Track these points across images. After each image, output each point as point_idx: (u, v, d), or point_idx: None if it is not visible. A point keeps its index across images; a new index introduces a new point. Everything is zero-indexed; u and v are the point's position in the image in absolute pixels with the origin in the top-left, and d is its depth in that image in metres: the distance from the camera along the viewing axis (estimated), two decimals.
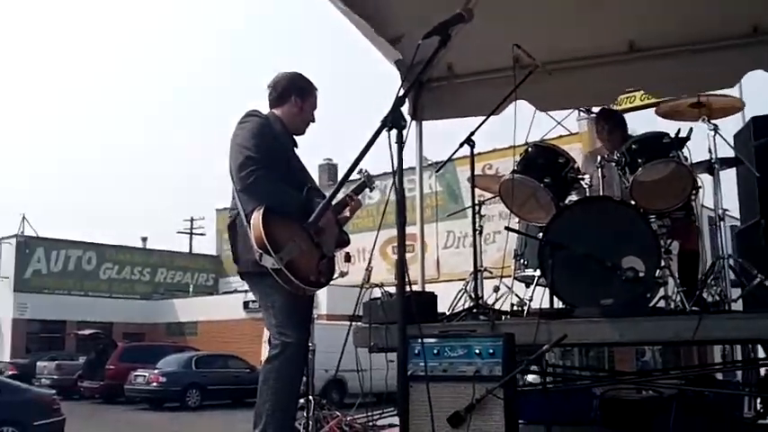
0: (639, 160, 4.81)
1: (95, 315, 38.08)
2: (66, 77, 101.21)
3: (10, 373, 27.80)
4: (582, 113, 25.97)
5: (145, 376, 24.46)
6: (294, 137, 4.45)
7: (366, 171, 4.41)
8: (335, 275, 8.71)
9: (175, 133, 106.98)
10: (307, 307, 4.23)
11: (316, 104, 4.49)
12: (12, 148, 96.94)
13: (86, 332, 31.22)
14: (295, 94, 4.39)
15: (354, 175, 3.92)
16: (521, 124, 4.87)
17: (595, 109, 12.36)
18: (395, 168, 2.72)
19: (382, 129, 2.74)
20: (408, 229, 2.93)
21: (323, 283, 4.16)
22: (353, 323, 4.98)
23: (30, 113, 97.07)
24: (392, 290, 5.21)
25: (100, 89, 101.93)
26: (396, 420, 6.03)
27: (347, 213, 4.40)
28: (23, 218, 42.20)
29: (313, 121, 4.47)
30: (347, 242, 4.44)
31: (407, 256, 2.81)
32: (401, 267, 2.70)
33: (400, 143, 2.75)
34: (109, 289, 41.70)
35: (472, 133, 5.22)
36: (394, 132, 2.74)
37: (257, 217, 3.91)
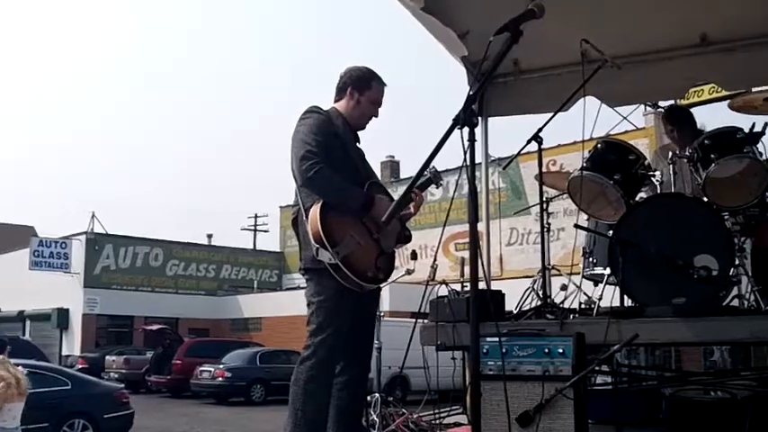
0: (712, 156, 4.69)
1: (162, 311, 38.99)
2: (140, 77, 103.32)
3: (80, 366, 28.50)
4: (648, 108, 25.39)
5: (210, 371, 24.84)
6: (357, 132, 4.39)
7: (434, 167, 4.30)
8: (401, 273, 8.60)
9: (242, 130, 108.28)
10: (357, 310, 4.09)
11: (377, 98, 4.38)
12: (83, 147, 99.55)
13: (154, 327, 31.72)
14: (352, 86, 4.33)
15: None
16: (586, 119, 4.81)
17: (662, 103, 12.17)
18: (466, 166, 2.70)
19: (454, 127, 2.72)
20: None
21: (381, 279, 4.10)
22: (418, 320, 4.97)
23: (101, 114, 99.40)
24: (456, 287, 5.24)
25: (170, 89, 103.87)
26: (461, 419, 6.04)
27: (411, 209, 4.31)
28: (93, 215, 43.40)
29: (375, 115, 4.39)
30: (408, 238, 4.37)
31: (469, 253, 2.80)
32: (474, 265, 2.69)
33: (472, 141, 2.72)
34: (175, 285, 42.38)
35: (540, 130, 5.16)
36: (465, 130, 2.72)
37: (315, 211, 3.90)
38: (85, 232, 40.27)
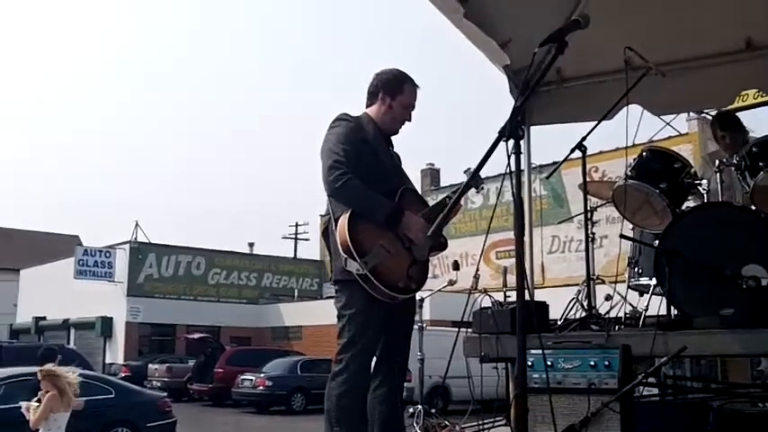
0: (760, 164, 4.61)
1: (204, 319, 39.24)
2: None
3: (123, 374, 28.81)
4: (692, 113, 25.08)
5: (251, 380, 24.98)
6: (390, 137, 4.29)
7: (470, 169, 4.27)
8: (444, 284, 8.39)
9: (283, 138, 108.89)
10: (391, 320, 3.99)
11: (409, 102, 4.24)
12: (126, 159, 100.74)
13: (195, 336, 31.91)
14: (383, 90, 4.21)
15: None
16: (628, 125, 4.77)
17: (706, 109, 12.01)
18: (512, 180, 2.68)
19: (500, 140, 2.69)
20: (512, 234, 2.85)
21: (414, 289, 3.96)
22: (461, 330, 4.93)
23: (144, 125, 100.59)
24: (498, 296, 5.19)
25: (212, 98, 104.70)
26: (505, 431, 5.98)
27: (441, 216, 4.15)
28: (136, 225, 44.15)
29: (408, 119, 4.26)
30: (444, 246, 4.20)
31: (510, 262, 2.76)
32: (521, 276, 2.66)
33: (518, 153, 2.70)
34: (217, 293, 42.76)
35: (584, 138, 5.09)
36: (511, 142, 2.70)
37: (343, 221, 3.82)
38: (129, 241, 40.78)
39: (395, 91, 4.18)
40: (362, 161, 3.94)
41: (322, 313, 36.68)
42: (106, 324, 38.65)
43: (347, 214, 3.82)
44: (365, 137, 4.07)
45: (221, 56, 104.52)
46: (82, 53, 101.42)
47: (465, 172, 3.95)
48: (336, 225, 3.87)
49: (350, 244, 3.72)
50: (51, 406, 7.97)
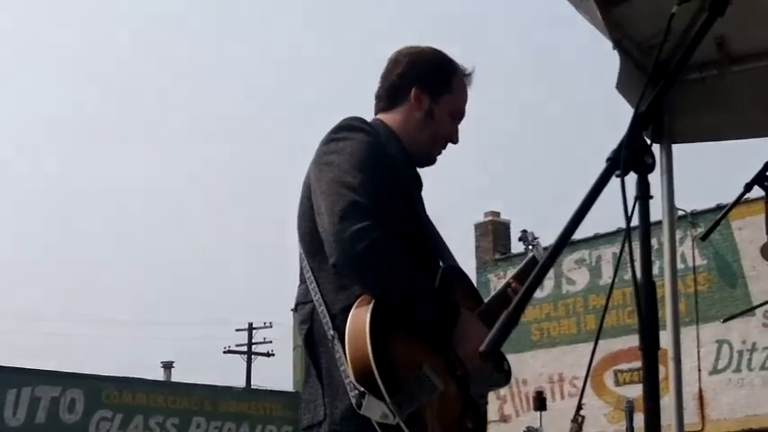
0: None
1: None
2: None
3: None
4: None
5: None
6: (418, 167, 2.57)
7: (533, 236, 2.62)
8: None
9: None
10: None
11: (460, 107, 2.57)
12: None
13: None
14: (420, 86, 2.49)
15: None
16: None
17: None
18: (635, 239, 1.48)
19: (611, 173, 1.48)
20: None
21: None
22: None
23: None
24: None
25: None
26: None
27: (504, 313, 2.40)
28: None
29: (454, 140, 2.56)
30: (508, 375, 2.47)
31: (640, 387, 1.48)
32: (655, 417, 1.46)
33: (645, 197, 1.48)
34: None
35: None
36: (633, 177, 1.49)
37: (361, 320, 2.17)
38: None
39: (440, 86, 2.51)
40: (390, 207, 2.30)
41: None
42: None
43: (369, 307, 2.18)
44: (393, 164, 2.41)
45: None
46: None
47: (523, 241, 2.46)
48: (336, 323, 2.25)
49: (375, 368, 2.12)
50: None
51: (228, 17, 70.93)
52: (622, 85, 3.70)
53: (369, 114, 2.56)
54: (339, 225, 2.17)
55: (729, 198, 3.46)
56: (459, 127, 2.55)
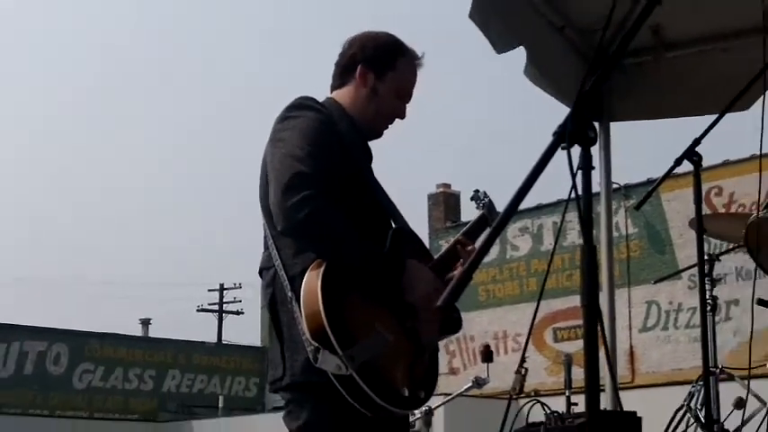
0: None
1: None
2: None
3: None
4: None
5: None
6: (368, 141, 2.82)
7: (485, 195, 2.74)
8: (467, 386, 5.22)
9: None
10: None
11: (406, 87, 2.77)
12: None
13: None
14: (365, 64, 2.71)
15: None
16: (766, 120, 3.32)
17: None
18: (579, 208, 1.64)
19: (557, 146, 1.63)
20: (578, 300, 1.67)
21: (421, 399, 2.54)
22: None
23: None
24: (558, 402, 3.82)
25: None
26: None
27: (458, 272, 2.52)
28: None
29: (400, 115, 2.79)
30: (458, 324, 2.69)
31: (577, 345, 1.65)
32: (593, 370, 1.63)
33: (588, 168, 1.63)
34: (89, 405, 25.28)
35: (698, 142, 3.38)
36: (577, 150, 1.65)
37: (313, 281, 2.37)
38: None
39: (385, 66, 2.71)
40: (337, 179, 2.52)
41: None
42: None
43: (320, 270, 2.37)
44: (342, 138, 2.62)
45: None
46: None
47: (475, 199, 2.64)
48: (295, 286, 2.44)
49: (326, 323, 2.29)
50: None
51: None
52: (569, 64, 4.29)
53: None
54: (282, 196, 2.39)
55: (660, 173, 3.75)
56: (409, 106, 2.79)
